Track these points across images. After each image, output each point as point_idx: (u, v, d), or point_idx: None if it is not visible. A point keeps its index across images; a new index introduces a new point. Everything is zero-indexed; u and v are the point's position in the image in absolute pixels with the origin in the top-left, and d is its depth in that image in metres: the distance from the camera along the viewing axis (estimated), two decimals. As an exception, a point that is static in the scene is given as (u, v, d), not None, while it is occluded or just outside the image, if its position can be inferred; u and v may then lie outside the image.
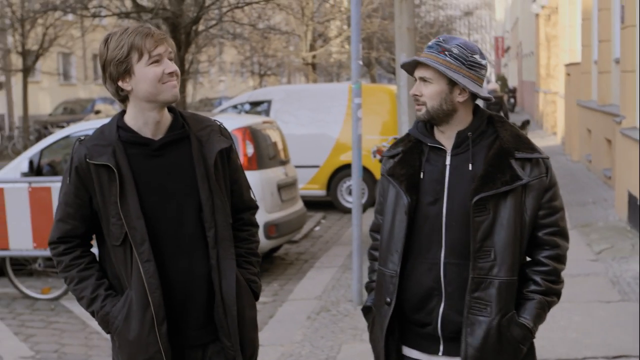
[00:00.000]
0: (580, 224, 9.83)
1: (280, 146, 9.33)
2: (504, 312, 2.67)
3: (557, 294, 2.78)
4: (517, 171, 2.67)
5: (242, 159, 8.15)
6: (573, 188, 12.85)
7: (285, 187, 8.89)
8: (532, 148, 2.73)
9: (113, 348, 2.79)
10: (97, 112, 28.29)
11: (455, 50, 2.69)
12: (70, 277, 2.72)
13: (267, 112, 12.93)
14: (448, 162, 2.75)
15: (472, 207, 2.65)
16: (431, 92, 2.70)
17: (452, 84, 2.69)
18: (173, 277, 2.68)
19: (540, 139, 23.74)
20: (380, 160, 10.41)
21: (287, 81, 40.32)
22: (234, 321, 2.71)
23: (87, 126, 8.96)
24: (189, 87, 15.15)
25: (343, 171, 12.76)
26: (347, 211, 12.64)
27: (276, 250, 9.60)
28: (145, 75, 2.59)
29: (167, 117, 2.71)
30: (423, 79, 2.72)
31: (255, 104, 13.35)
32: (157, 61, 2.59)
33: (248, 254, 2.87)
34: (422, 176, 2.77)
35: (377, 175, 11.29)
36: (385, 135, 12.14)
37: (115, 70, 2.60)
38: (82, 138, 2.68)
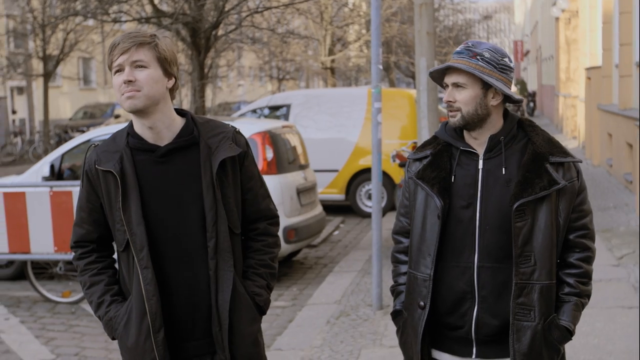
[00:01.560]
0: (602, 229, 9.75)
1: (299, 150, 9.34)
2: (546, 316, 2.72)
3: (589, 295, 2.84)
4: (553, 175, 2.69)
5: (261, 164, 8.16)
6: (594, 193, 12.76)
7: (305, 192, 8.89)
8: (565, 152, 2.76)
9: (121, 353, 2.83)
10: (117, 117, 28.46)
11: (487, 55, 2.71)
12: (83, 282, 2.78)
13: (286, 117, 12.95)
14: (481, 166, 2.76)
15: (513, 213, 2.67)
16: (466, 97, 2.71)
17: (485, 88, 2.71)
18: (174, 285, 2.67)
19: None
20: (400, 165, 10.34)
21: (305, 85, 40.36)
22: (225, 335, 2.66)
23: (107, 131, 9.01)
24: (208, 92, 15.21)
25: (362, 175, 12.74)
26: (366, 215, 12.63)
27: (295, 255, 9.60)
28: (114, 85, 2.65)
29: (176, 123, 2.70)
30: (456, 85, 2.72)
31: (274, 109, 13.36)
32: (118, 71, 2.61)
33: (258, 265, 2.81)
34: (453, 180, 2.77)
35: (397, 180, 11.26)
36: (404, 140, 12.12)
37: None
38: (96, 144, 2.72)
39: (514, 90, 19.08)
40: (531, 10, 53.51)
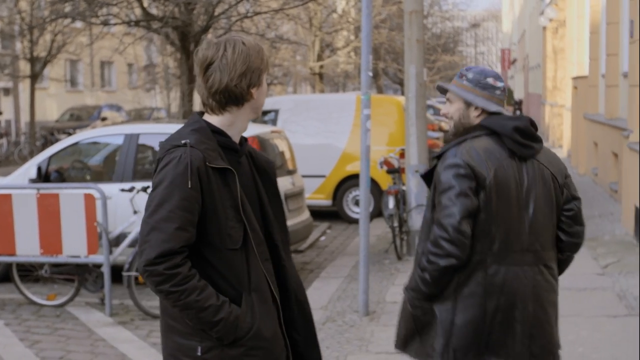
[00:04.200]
0: (587, 238, 9.77)
1: (287, 156, 9.35)
2: None
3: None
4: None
5: (249, 168, 8.14)
6: (579, 201, 12.81)
7: (292, 197, 8.90)
8: None
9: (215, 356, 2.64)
10: (104, 119, 28.35)
11: (470, 75, 3.31)
12: (191, 288, 2.55)
13: (274, 122, 12.96)
14: None
15: None
16: (452, 109, 3.36)
17: (467, 103, 3.31)
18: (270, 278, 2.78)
19: (546, 152, 23.72)
20: (388, 172, 10.36)
21: (293, 91, 40.35)
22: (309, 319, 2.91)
23: (95, 133, 9.00)
24: (196, 95, 15.26)
25: (349, 181, 12.76)
26: (353, 221, 12.65)
27: (282, 260, 9.58)
28: (264, 89, 2.74)
29: None
30: (448, 99, 3.39)
31: (263, 113, 13.36)
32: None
33: None
34: None
35: (384, 186, 11.29)
36: (392, 146, 12.16)
37: (255, 78, 2.67)
38: (186, 142, 2.60)
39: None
40: (519, 19, 53.75)
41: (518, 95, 48.40)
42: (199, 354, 2.61)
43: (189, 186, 2.55)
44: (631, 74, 10.66)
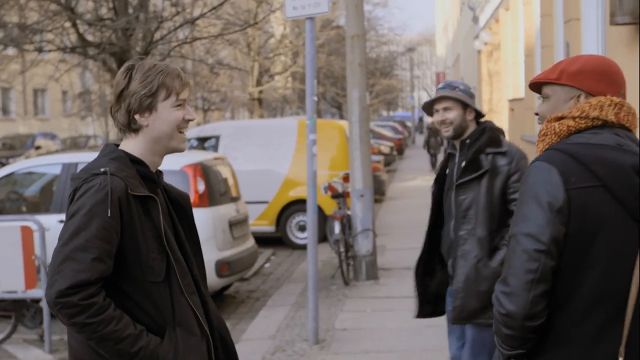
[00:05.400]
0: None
1: (231, 182, 9.20)
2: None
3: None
4: (482, 163, 3.99)
5: (193, 196, 7.98)
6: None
7: (237, 224, 8.74)
8: (497, 146, 4.01)
9: None
10: (38, 148, 27.73)
11: (461, 87, 4.13)
12: (108, 318, 2.40)
13: (215, 148, 12.80)
14: (456, 160, 4.18)
15: (455, 190, 4.07)
16: (454, 116, 4.06)
17: (464, 108, 4.06)
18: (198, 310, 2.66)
19: (484, 173, 24.02)
20: (333, 197, 10.26)
21: (230, 116, 40.18)
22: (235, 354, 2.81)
23: (32, 163, 8.73)
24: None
25: (292, 207, 12.66)
26: (297, 247, 12.53)
27: (227, 289, 9.41)
28: (167, 116, 2.56)
29: None
30: (446, 108, 4.05)
31: (203, 140, 13.20)
32: (180, 105, 2.59)
33: None
34: (447, 172, 4.26)
35: (328, 211, 11.20)
36: (334, 171, 12.11)
37: (136, 103, 2.53)
38: (105, 170, 2.45)
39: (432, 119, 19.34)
40: (453, 43, 54.70)
41: (454, 117, 49.08)
42: None
43: (109, 215, 2.41)
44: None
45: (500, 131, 4.10)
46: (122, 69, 2.56)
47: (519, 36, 18.94)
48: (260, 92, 22.28)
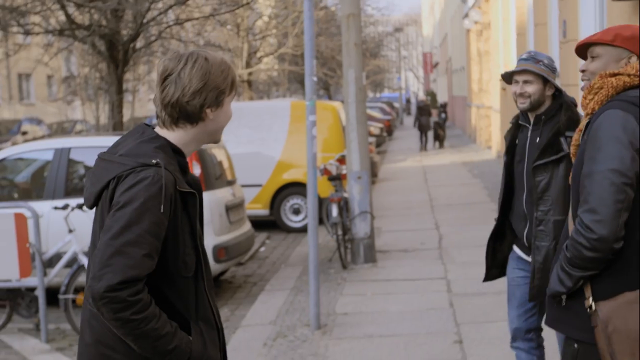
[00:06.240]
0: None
1: (226, 165, 9.05)
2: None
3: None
4: (563, 146, 3.94)
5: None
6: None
7: (234, 208, 8.60)
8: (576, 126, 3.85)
9: None
10: (24, 133, 27.41)
11: (546, 61, 4.07)
12: (151, 315, 2.35)
13: (207, 131, 12.61)
14: (529, 134, 4.18)
15: (532, 171, 4.02)
16: (534, 89, 4.02)
17: (544, 83, 4.02)
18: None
19: (474, 153, 23.96)
20: (329, 179, 10.13)
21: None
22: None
23: (23, 149, 8.53)
24: (126, 107, 14.65)
25: (286, 190, 12.54)
26: (291, 230, 12.41)
27: (223, 274, 9.29)
28: (227, 112, 2.57)
29: None
30: (526, 81, 4.01)
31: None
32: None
33: None
34: (517, 142, 4.22)
35: (323, 194, 11.07)
36: (327, 153, 11.97)
37: (212, 97, 2.49)
38: (158, 162, 2.39)
39: (422, 97, 19.13)
40: (440, 22, 54.50)
41: (442, 98, 49.01)
42: None
43: (161, 211, 2.35)
44: (563, 73, 10.73)
45: (576, 107, 4.03)
46: (198, 61, 2.47)
47: (510, 15, 18.80)
48: (250, 74, 22.06)
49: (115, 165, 2.41)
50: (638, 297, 2.58)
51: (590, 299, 2.65)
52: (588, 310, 2.67)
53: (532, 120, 4.09)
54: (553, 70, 4.06)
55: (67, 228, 7.16)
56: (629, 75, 2.76)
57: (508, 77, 4.10)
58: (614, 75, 2.76)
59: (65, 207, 7.20)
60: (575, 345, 2.73)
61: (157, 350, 2.38)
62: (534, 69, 3.98)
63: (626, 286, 2.62)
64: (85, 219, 7.05)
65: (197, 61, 2.47)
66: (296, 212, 12.53)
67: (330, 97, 35.39)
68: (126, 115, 34.61)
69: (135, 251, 2.30)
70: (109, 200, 2.39)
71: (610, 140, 2.64)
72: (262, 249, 11.30)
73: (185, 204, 2.47)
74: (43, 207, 7.59)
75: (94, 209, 2.51)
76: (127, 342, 2.39)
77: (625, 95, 2.74)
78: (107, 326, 2.40)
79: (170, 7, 10.96)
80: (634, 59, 2.81)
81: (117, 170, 2.39)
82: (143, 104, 44.71)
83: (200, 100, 2.47)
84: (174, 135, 2.51)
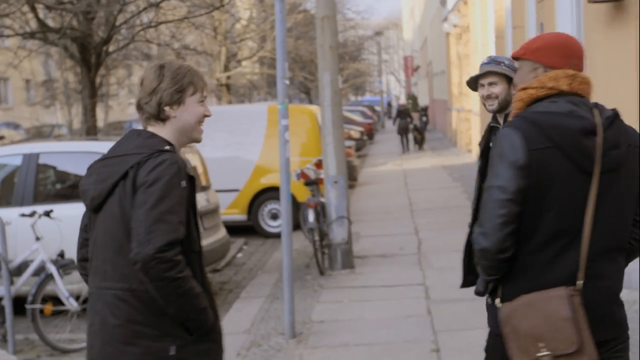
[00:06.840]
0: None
1: (200, 170, 8.90)
2: None
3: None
4: None
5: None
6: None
7: (208, 214, 8.45)
8: None
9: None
10: (1, 138, 27.09)
11: (506, 62, 4.12)
12: (189, 276, 2.72)
13: (183, 135, 12.44)
14: None
15: None
16: (500, 90, 4.07)
17: (509, 82, 4.04)
18: None
19: (455, 157, 23.92)
20: (306, 184, 9.98)
21: (198, 103, 39.62)
22: None
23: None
24: (99, 111, 14.41)
25: (264, 195, 12.40)
26: (269, 236, 12.27)
27: (198, 281, 9.12)
28: (193, 109, 2.87)
29: None
30: (492, 83, 4.08)
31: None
32: (202, 101, 2.91)
33: None
34: (490, 145, 3.78)
35: (300, 198, 10.93)
36: (305, 157, 11.85)
37: (168, 97, 2.82)
38: (169, 148, 2.78)
39: (403, 102, 19.08)
40: (420, 26, 54.55)
41: (423, 101, 49.00)
42: (172, 353, 2.73)
43: (183, 186, 2.73)
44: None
45: None
46: (153, 68, 2.86)
47: (489, 17, 18.76)
48: (228, 77, 21.89)
49: (129, 157, 2.75)
50: (532, 300, 2.76)
51: (498, 300, 2.87)
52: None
53: (501, 121, 4.11)
54: (514, 70, 4.08)
55: (34, 236, 6.97)
56: (534, 87, 2.85)
57: (473, 83, 4.19)
58: (524, 89, 2.87)
59: (32, 214, 7.01)
60: (491, 338, 3.03)
61: (194, 308, 2.72)
62: (497, 69, 4.08)
63: (523, 289, 2.79)
64: (52, 227, 6.88)
65: (153, 68, 2.88)
66: (274, 217, 12.39)
67: (311, 101, 35.26)
68: (110, 118, 34.37)
69: (172, 218, 2.67)
70: (131, 185, 2.72)
71: (497, 158, 2.80)
72: (240, 255, 11.15)
73: (193, 184, 2.85)
74: (11, 214, 7.39)
75: (92, 210, 2.83)
76: (168, 304, 2.68)
77: (528, 110, 2.85)
78: (136, 305, 2.71)
79: (143, 9, 10.78)
80: (541, 70, 2.88)
81: (135, 159, 2.73)
82: (123, 107, 44.38)
83: (156, 99, 2.82)
84: (159, 133, 2.87)
